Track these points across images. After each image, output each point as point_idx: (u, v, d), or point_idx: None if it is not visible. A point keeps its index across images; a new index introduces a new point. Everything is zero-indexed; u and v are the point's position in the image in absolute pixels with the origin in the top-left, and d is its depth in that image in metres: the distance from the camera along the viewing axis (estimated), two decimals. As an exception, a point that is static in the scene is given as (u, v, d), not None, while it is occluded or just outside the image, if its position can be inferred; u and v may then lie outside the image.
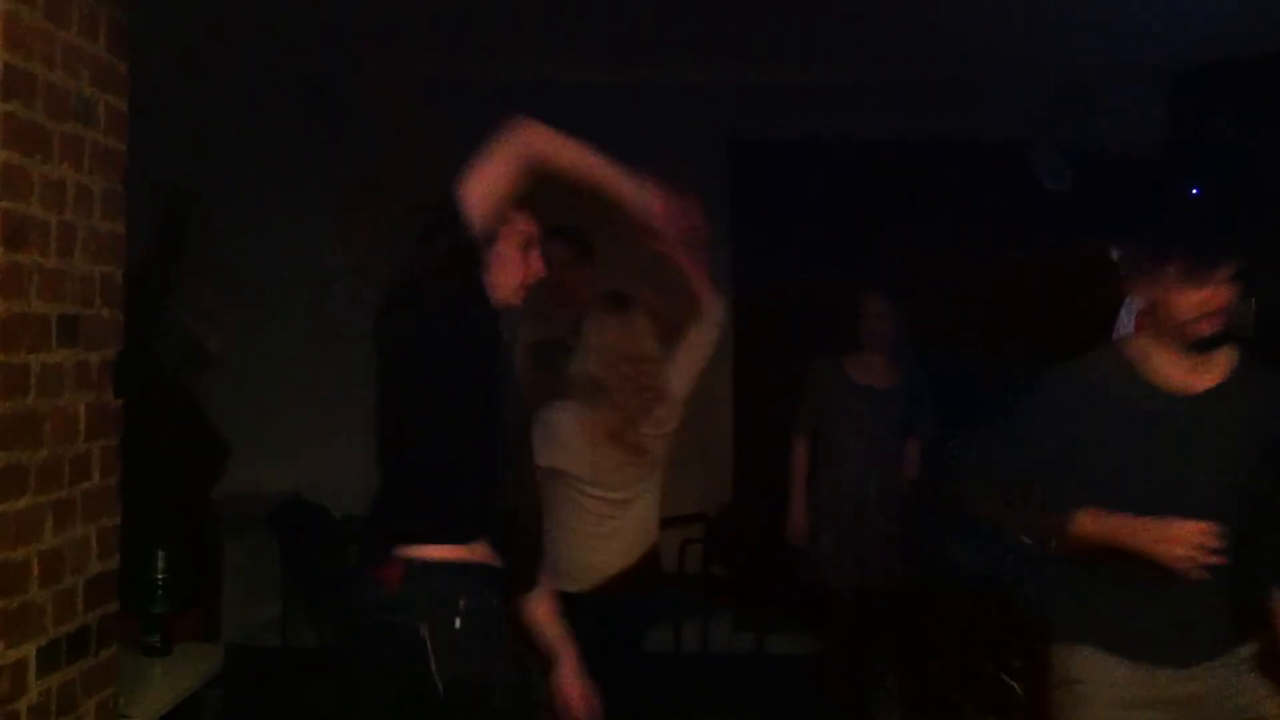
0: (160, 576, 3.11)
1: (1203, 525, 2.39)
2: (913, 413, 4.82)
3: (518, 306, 2.59)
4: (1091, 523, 2.49)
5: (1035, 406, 2.71)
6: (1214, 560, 2.39)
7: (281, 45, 5.20)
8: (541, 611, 2.66)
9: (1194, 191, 3.88)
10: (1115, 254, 4.72)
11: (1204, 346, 2.59)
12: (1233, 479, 2.55)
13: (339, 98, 5.58)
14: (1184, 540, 2.39)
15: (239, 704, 3.40)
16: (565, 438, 3.27)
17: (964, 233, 5.67)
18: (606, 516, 3.35)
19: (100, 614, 2.55)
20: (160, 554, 3.11)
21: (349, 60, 5.34)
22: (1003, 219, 5.62)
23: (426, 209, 2.52)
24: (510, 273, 2.53)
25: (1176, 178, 4.51)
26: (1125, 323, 4.69)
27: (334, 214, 5.79)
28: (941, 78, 5.41)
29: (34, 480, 2.29)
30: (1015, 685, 3.70)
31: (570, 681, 2.64)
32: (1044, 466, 2.64)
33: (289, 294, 5.92)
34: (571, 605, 2.80)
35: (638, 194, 2.62)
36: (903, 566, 4.63)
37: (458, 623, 2.34)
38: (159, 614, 3.12)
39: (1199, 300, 2.59)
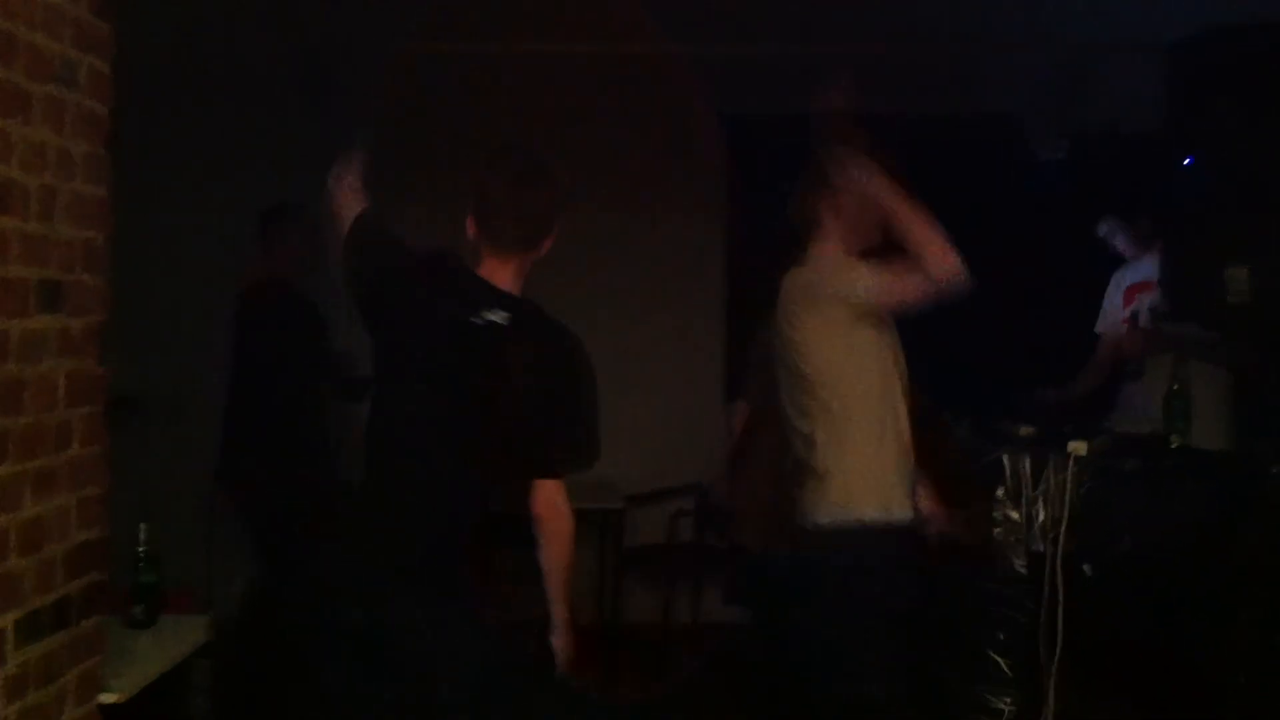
0: (142, 549, 3.08)
1: None
2: None
3: None
4: None
5: None
6: None
7: (274, 22, 5.17)
8: None
9: (1188, 161, 3.85)
10: (1102, 230, 4.72)
11: None
12: None
13: (332, 75, 5.54)
14: None
15: (227, 675, 3.38)
16: None
17: (960, 208, 5.64)
18: None
19: (82, 584, 2.52)
20: (143, 526, 3.08)
21: (342, 38, 5.31)
22: (1000, 195, 5.61)
23: None
24: None
25: (1173, 150, 4.49)
26: (1114, 297, 4.69)
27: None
28: (942, 54, 5.39)
29: (13, 448, 2.26)
30: (1002, 661, 3.70)
31: None
32: None
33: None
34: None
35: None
36: None
37: None
38: (144, 585, 3.09)
39: None
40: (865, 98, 5.60)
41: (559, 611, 2.75)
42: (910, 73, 5.54)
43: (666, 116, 5.86)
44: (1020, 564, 3.68)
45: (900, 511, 3.14)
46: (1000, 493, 3.71)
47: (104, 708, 2.61)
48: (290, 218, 4.96)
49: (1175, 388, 3.90)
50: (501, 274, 2.71)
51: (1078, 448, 3.69)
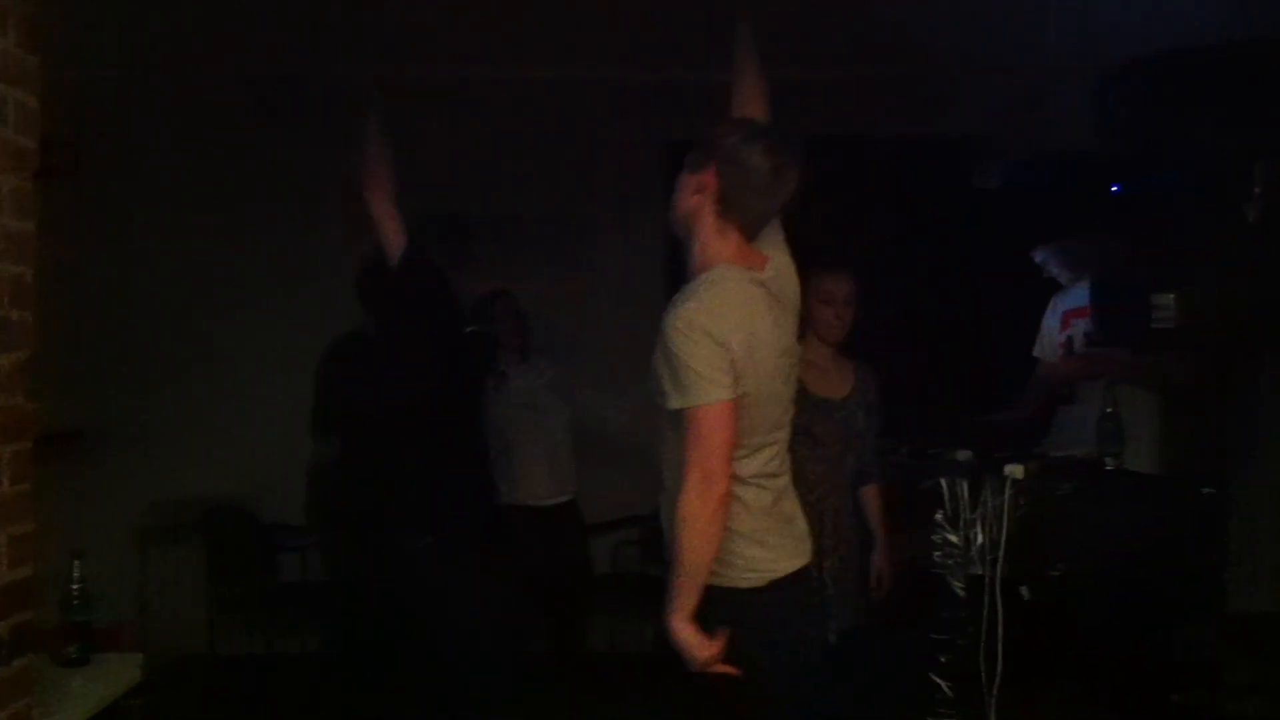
0: (76, 586, 3.04)
1: None
2: (866, 424, 4.12)
3: None
4: None
5: None
6: None
7: (239, 44, 5.13)
8: None
9: (1115, 188, 3.92)
10: (1037, 256, 4.78)
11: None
12: None
13: (297, 96, 5.53)
14: None
15: (161, 713, 3.33)
16: None
17: (901, 231, 5.71)
18: None
19: (13, 623, 2.48)
20: (75, 563, 3.04)
21: (307, 58, 5.28)
22: (941, 218, 5.67)
23: None
24: None
25: (1105, 176, 4.57)
26: (1050, 322, 4.76)
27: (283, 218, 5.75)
28: (884, 78, 5.44)
29: (-60, 486, 2.23)
30: (943, 683, 3.72)
31: None
32: None
33: (229, 300, 5.85)
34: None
35: None
36: (861, 613, 4.03)
37: None
38: (77, 623, 3.05)
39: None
40: (812, 121, 5.70)
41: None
42: (857, 97, 5.61)
43: (609, 142, 5.89)
44: (959, 587, 3.71)
45: None
46: (939, 516, 3.75)
47: (35, 748, 2.57)
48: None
49: (1108, 410, 3.96)
50: None
51: (1014, 471, 3.73)
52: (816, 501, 3.76)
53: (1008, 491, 3.68)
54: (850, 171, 5.72)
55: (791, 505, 2.83)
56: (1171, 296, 3.61)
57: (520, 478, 4.91)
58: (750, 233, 2.72)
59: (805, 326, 3.72)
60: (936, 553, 3.73)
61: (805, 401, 3.51)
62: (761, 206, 2.70)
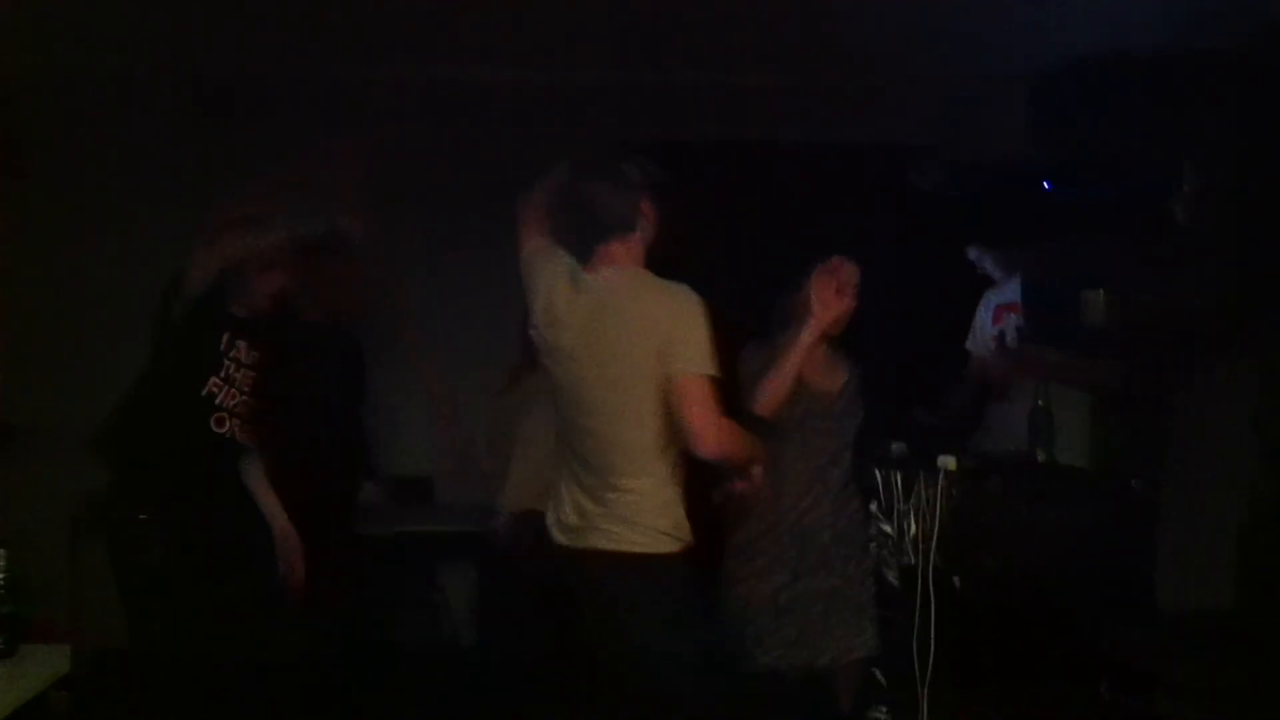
0: (1, 576, 2.99)
1: None
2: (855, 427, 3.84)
3: None
4: None
5: None
6: None
7: (168, 40, 5.06)
8: None
9: (1046, 186, 3.97)
10: (971, 254, 4.84)
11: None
12: None
13: (226, 94, 5.45)
14: None
15: (89, 705, 3.29)
16: None
17: (849, 236, 5.72)
18: None
19: (-65, 614, 2.44)
20: (1, 552, 2.99)
21: (236, 56, 5.22)
22: (884, 222, 5.71)
23: None
24: None
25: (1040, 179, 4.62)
26: (983, 316, 4.82)
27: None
28: (839, 85, 5.47)
29: None
30: (876, 671, 3.75)
31: None
32: None
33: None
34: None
35: None
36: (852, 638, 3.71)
37: None
38: (3, 615, 2.99)
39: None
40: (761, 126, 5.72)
41: None
42: (800, 102, 5.64)
43: (579, 143, 5.85)
44: (893, 576, 3.75)
45: None
46: (874, 506, 3.79)
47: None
48: None
49: (1040, 404, 4.01)
50: None
51: (947, 462, 3.77)
52: (799, 519, 3.61)
53: (941, 482, 3.72)
54: (795, 176, 5.76)
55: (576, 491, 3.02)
56: (1101, 292, 3.66)
57: (508, 479, 4.70)
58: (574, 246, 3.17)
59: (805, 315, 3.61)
60: (871, 543, 3.76)
61: (801, 395, 3.56)
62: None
